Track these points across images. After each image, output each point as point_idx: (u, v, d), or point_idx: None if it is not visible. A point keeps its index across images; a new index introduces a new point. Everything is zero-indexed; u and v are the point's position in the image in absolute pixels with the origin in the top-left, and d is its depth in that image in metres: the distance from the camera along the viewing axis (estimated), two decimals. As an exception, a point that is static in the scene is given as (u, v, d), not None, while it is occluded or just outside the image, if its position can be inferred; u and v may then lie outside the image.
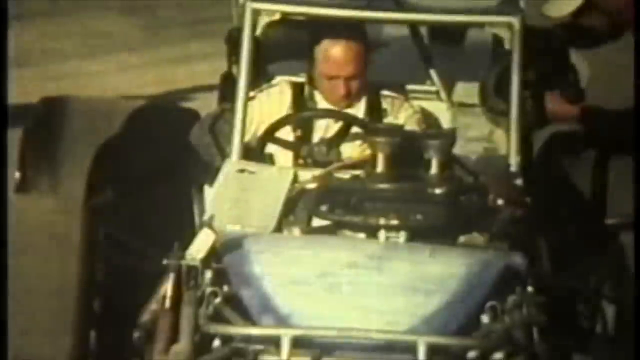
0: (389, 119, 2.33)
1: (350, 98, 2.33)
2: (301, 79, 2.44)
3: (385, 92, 2.40)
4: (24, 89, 3.45)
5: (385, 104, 2.38)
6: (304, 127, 2.35)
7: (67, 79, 4.37)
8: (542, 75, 2.00)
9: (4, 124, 2.20)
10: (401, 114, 2.35)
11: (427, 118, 2.42)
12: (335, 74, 2.31)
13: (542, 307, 1.84)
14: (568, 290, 2.06)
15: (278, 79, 2.46)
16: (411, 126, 2.31)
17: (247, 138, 2.32)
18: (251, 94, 2.38)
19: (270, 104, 2.40)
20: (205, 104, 2.71)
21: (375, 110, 2.36)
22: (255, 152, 2.30)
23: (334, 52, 2.30)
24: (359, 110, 2.37)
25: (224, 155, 2.26)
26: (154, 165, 2.34)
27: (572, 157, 2.34)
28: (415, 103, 2.46)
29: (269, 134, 2.32)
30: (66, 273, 2.06)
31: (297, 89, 2.41)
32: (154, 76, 4.57)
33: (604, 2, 2.00)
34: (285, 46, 2.61)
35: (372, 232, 1.98)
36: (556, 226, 2.27)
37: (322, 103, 2.39)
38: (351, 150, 2.28)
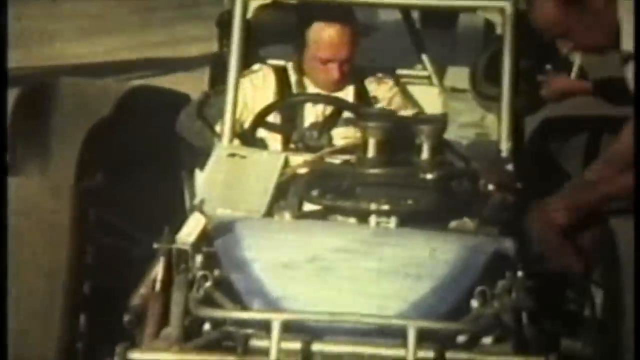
0: (373, 95, 2.33)
1: (343, 82, 2.33)
2: (283, 63, 2.43)
3: (369, 79, 2.40)
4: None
5: (369, 86, 2.37)
6: (295, 112, 2.34)
7: (56, 62, 4.35)
8: (537, 60, 1.99)
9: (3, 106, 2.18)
10: (381, 91, 2.33)
11: (408, 97, 2.41)
12: (330, 57, 2.30)
13: (532, 292, 1.85)
14: (557, 275, 2.07)
15: (258, 65, 2.45)
16: (393, 101, 2.31)
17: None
18: None
19: (254, 90, 2.39)
20: (196, 87, 2.70)
21: (363, 95, 2.36)
22: (246, 137, 2.29)
23: (327, 34, 2.29)
24: (348, 95, 2.37)
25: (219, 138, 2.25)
26: (144, 148, 2.33)
27: (563, 143, 2.35)
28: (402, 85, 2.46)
29: (260, 118, 2.31)
30: (56, 256, 2.06)
31: (281, 73, 2.41)
32: (144, 60, 4.54)
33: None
34: (277, 29, 2.59)
35: (363, 217, 1.98)
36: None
37: (310, 88, 2.39)
38: (345, 134, 2.27)
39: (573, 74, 2.00)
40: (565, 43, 1.98)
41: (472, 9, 2.32)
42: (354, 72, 2.37)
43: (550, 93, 2.00)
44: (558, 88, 2.01)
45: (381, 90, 2.37)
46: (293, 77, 2.40)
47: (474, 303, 1.79)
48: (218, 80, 2.48)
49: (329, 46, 2.29)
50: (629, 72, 1.93)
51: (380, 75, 2.41)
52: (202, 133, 2.29)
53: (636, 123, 1.90)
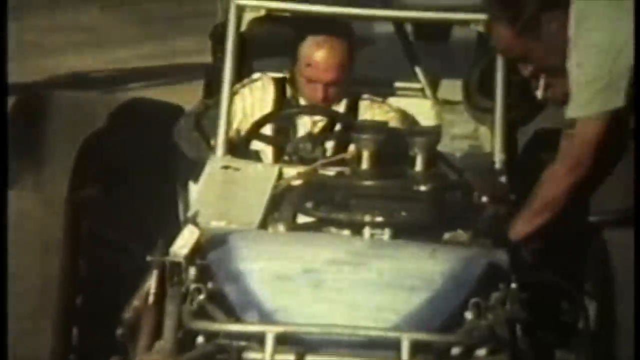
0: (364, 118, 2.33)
1: (328, 102, 2.32)
2: (282, 74, 2.44)
3: (364, 96, 2.40)
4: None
5: (363, 106, 2.37)
6: (288, 124, 2.34)
7: (50, 75, 4.35)
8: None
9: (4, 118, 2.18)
10: (378, 115, 2.35)
11: (405, 119, 2.43)
12: (316, 79, 2.30)
13: (526, 303, 1.85)
14: (551, 287, 2.08)
15: (259, 74, 2.46)
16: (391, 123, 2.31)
17: (230, 133, 2.32)
18: (233, 89, 2.38)
19: (253, 99, 2.39)
20: (190, 99, 2.70)
21: (353, 112, 2.35)
22: (240, 149, 2.29)
23: (317, 56, 2.29)
24: (340, 108, 2.36)
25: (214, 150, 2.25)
26: (137, 161, 2.33)
27: (556, 154, 2.35)
28: (395, 101, 2.46)
29: (254, 131, 2.32)
30: (48, 269, 2.05)
31: (280, 84, 2.41)
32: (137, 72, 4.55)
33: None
34: (271, 42, 2.60)
35: (357, 229, 1.98)
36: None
37: (302, 100, 2.39)
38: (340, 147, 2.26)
39: (539, 94, 2.04)
40: (525, 66, 2.03)
41: (465, 22, 2.33)
42: (347, 89, 2.36)
43: (555, 95, 2.02)
44: (561, 91, 2.03)
45: (377, 114, 2.36)
46: (288, 89, 2.40)
47: (468, 315, 1.79)
48: (212, 92, 2.49)
49: (315, 68, 2.29)
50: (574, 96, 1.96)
51: (379, 99, 2.40)
52: (198, 144, 2.29)
53: (636, 132, 1.93)
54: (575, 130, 1.94)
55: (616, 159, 1.95)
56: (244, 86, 2.40)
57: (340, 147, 2.28)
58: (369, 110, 2.38)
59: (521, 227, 2.01)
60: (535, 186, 2.02)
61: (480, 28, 2.28)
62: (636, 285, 1.91)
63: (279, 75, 2.44)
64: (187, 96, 2.83)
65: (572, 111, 1.96)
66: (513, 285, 1.87)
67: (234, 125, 2.33)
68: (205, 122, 2.31)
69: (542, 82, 2.04)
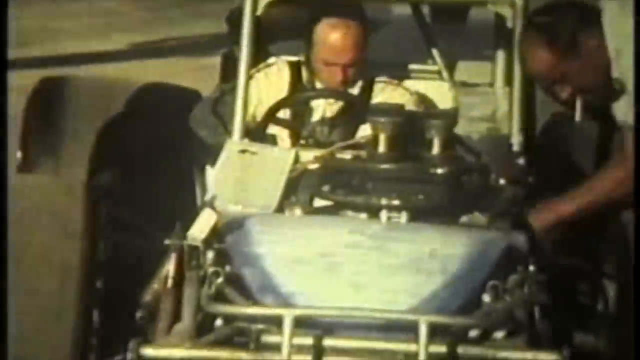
0: (377, 101, 2.32)
1: (346, 84, 2.31)
2: (297, 58, 2.43)
3: (379, 78, 2.38)
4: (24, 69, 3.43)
5: (377, 89, 2.36)
6: (303, 107, 2.33)
7: (67, 60, 4.35)
8: None
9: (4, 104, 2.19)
10: (394, 98, 2.33)
11: (422, 100, 2.41)
12: (334, 61, 2.29)
13: (544, 286, 1.83)
14: (569, 269, 2.06)
15: (274, 58, 2.45)
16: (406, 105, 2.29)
17: (248, 119, 2.31)
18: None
19: (269, 83, 2.38)
20: (206, 85, 2.70)
21: (367, 94, 2.34)
22: (257, 133, 2.29)
23: (333, 38, 2.27)
24: (355, 92, 2.35)
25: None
26: (156, 145, 2.33)
27: (574, 136, 2.33)
28: (412, 84, 2.44)
29: (270, 115, 2.31)
30: (68, 253, 2.06)
31: (295, 68, 2.40)
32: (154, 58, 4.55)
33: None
34: (287, 26, 2.59)
35: (373, 213, 1.97)
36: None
37: (319, 84, 2.38)
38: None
39: (578, 116, 2.02)
40: (563, 88, 2.02)
41: (483, 3, 2.30)
42: (363, 70, 2.35)
43: (570, 95, 2.02)
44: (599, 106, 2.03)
45: (394, 97, 2.34)
46: (304, 73, 2.39)
47: (486, 298, 1.79)
48: (229, 76, 2.48)
49: (333, 50, 2.27)
50: (621, 104, 1.95)
51: (395, 82, 2.38)
52: (215, 129, 2.29)
53: (636, 130, 1.92)
54: None
55: None
56: (259, 71, 2.39)
57: (356, 130, 2.27)
58: (384, 93, 2.36)
59: (570, 209, 1.97)
60: (593, 177, 1.99)
61: (498, 9, 2.25)
62: (635, 283, 1.90)
63: (294, 58, 2.43)
64: (203, 82, 2.82)
65: (632, 116, 1.93)
66: (531, 268, 1.86)
67: (250, 110, 2.32)
68: (222, 107, 2.30)
69: (579, 104, 2.03)
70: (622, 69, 1.95)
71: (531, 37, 2.03)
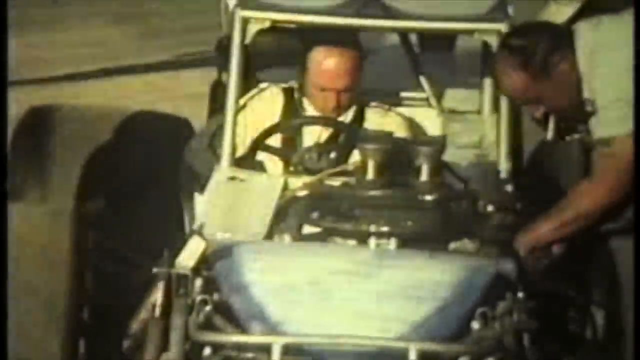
0: (369, 127, 2.34)
1: (340, 110, 2.33)
2: (289, 85, 2.44)
3: (372, 104, 2.40)
4: (12, 98, 3.44)
5: (369, 114, 2.38)
6: (294, 134, 2.35)
7: (53, 88, 4.36)
8: None
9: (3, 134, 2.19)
10: (385, 125, 2.35)
11: (411, 126, 2.43)
12: (328, 87, 2.30)
13: (533, 312, 1.84)
14: (558, 296, 2.07)
15: (266, 84, 2.46)
16: (397, 132, 2.31)
17: (241, 147, 2.32)
18: (242, 101, 2.38)
19: (263, 109, 2.39)
20: (195, 112, 2.71)
21: (359, 120, 2.36)
22: (246, 160, 2.30)
23: (327, 64, 2.29)
24: (346, 119, 2.37)
25: None
26: (144, 173, 2.33)
27: (562, 163, 2.35)
28: (401, 111, 2.47)
29: (260, 142, 2.32)
30: (55, 282, 2.05)
31: (288, 94, 2.41)
32: (143, 84, 4.57)
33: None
34: (276, 53, 2.61)
35: (362, 239, 1.98)
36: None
37: (310, 110, 2.39)
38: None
39: (550, 135, 2.07)
40: (536, 108, 2.05)
41: (469, 32, 2.33)
42: (355, 97, 2.37)
43: (542, 115, 2.06)
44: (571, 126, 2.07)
45: (385, 122, 2.36)
46: (297, 99, 2.40)
47: (475, 324, 1.79)
48: (218, 103, 2.49)
49: (327, 76, 2.29)
50: (592, 122, 1.99)
51: (385, 107, 2.41)
52: (212, 164, 2.28)
53: (636, 132, 1.94)
54: (614, 148, 1.95)
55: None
56: (252, 98, 2.41)
57: (345, 157, 2.28)
58: (375, 118, 2.38)
59: (547, 233, 2.01)
60: (568, 196, 2.02)
61: (485, 37, 2.28)
62: (636, 291, 1.91)
63: (287, 85, 2.44)
64: (192, 110, 2.83)
65: (605, 130, 1.97)
66: (520, 295, 1.86)
67: (247, 138, 2.33)
68: (218, 142, 2.31)
69: (551, 123, 2.07)
70: (593, 89, 1.98)
71: (505, 59, 2.07)
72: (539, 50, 2.02)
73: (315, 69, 2.31)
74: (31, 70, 4.45)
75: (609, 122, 1.97)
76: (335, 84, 2.29)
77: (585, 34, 2.01)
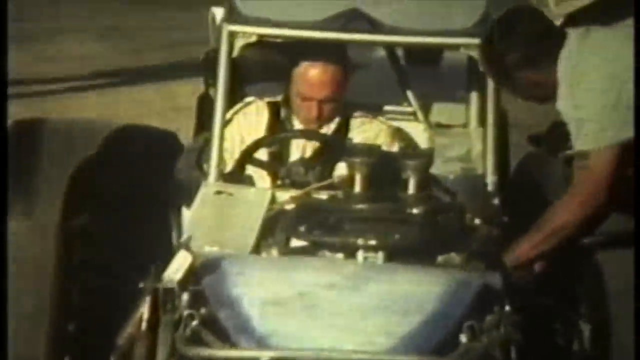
0: (353, 135, 2.34)
1: (322, 120, 2.35)
2: (276, 99, 2.45)
3: (355, 114, 2.41)
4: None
5: (353, 124, 2.39)
6: (281, 148, 2.35)
7: (39, 101, 4.36)
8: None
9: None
10: (369, 131, 2.36)
11: (397, 133, 2.44)
12: (309, 96, 2.32)
13: (520, 326, 1.84)
14: (545, 309, 2.07)
15: (252, 98, 2.47)
16: (381, 141, 2.32)
17: (229, 161, 2.32)
18: (228, 115, 2.39)
19: (248, 124, 2.40)
20: (182, 125, 2.71)
21: (344, 130, 2.37)
22: (233, 174, 2.30)
23: (310, 74, 2.31)
24: (329, 131, 2.38)
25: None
26: (130, 187, 2.33)
27: (548, 176, 2.37)
28: (388, 121, 2.48)
29: (246, 155, 2.32)
30: (40, 296, 2.04)
31: (274, 108, 2.42)
32: (130, 98, 4.58)
33: None
34: (263, 67, 2.62)
35: (350, 253, 1.98)
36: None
37: (296, 124, 2.40)
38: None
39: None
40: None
41: (455, 47, 2.35)
42: (340, 109, 2.38)
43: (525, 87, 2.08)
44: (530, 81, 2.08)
45: (370, 130, 2.37)
46: (283, 113, 2.41)
47: (463, 338, 1.79)
48: (205, 117, 2.50)
49: (309, 85, 2.31)
50: (572, 134, 2.00)
51: (370, 116, 2.42)
52: (200, 182, 2.28)
53: (636, 135, 1.95)
54: (589, 161, 1.96)
55: (628, 190, 1.97)
56: (237, 112, 2.41)
57: (332, 171, 2.29)
58: (360, 127, 2.39)
59: (526, 251, 2.02)
60: (545, 213, 2.03)
61: (471, 52, 2.30)
62: (636, 293, 1.92)
63: (273, 99, 2.45)
64: (179, 122, 2.82)
65: (583, 143, 1.99)
66: (507, 308, 1.86)
67: (235, 153, 2.33)
68: (205, 158, 2.31)
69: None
70: (575, 100, 1.98)
71: (483, 64, 2.09)
72: (509, 60, 2.02)
73: (299, 80, 2.33)
74: (21, 85, 4.44)
75: (587, 135, 1.98)
76: (316, 94, 2.31)
77: (572, 43, 2.02)
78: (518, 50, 2.02)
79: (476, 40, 2.25)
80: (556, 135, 2.15)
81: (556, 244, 2.01)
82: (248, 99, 2.45)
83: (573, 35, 2.03)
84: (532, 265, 2.05)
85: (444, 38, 2.35)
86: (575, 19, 2.01)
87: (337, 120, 2.38)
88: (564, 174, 2.16)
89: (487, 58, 2.07)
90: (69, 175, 2.18)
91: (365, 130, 2.36)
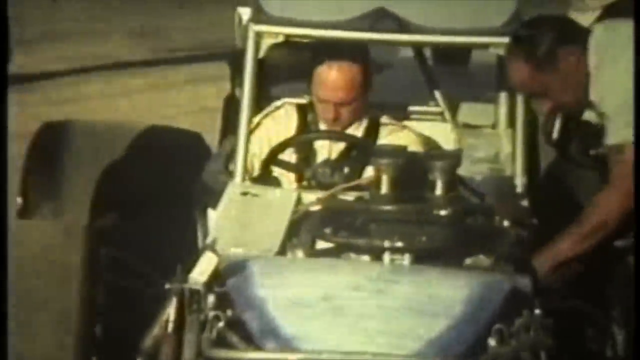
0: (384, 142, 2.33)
1: (339, 123, 2.33)
2: (305, 100, 2.45)
3: (384, 120, 2.40)
4: (25, 114, 3.47)
5: (384, 132, 2.38)
6: (307, 149, 2.35)
7: (70, 104, 4.41)
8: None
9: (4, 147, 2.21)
10: (400, 140, 2.34)
11: (427, 144, 2.42)
12: (325, 98, 2.31)
13: (550, 330, 1.82)
14: (577, 313, 2.04)
15: (281, 101, 2.47)
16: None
17: (256, 166, 2.32)
18: (256, 119, 2.39)
19: (277, 128, 2.40)
20: (210, 126, 2.72)
21: (372, 136, 2.36)
22: (261, 176, 2.30)
23: (326, 76, 2.30)
24: (358, 133, 2.37)
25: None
26: (157, 188, 2.34)
27: (579, 177, 2.34)
28: (415, 125, 2.46)
29: (272, 157, 2.32)
30: (67, 298, 2.06)
31: (302, 110, 2.42)
32: (158, 99, 4.61)
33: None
34: (290, 68, 2.62)
35: (376, 255, 1.97)
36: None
37: (322, 125, 2.40)
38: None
39: (555, 134, 2.06)
40: (543, 102, 2.04)
41: (485, 46, 2.33)
42: (363, 110, 2.36)
43: (549, 110, 2.06)
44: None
45: (400, 139, 2.35)
46: (309, 115, 2.41)
47: (492, 342, 1.77)
48: (231, 118, 2.50)
49: (324, 87, 2.30)
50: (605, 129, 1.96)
51: (400, 124, 2.40)
52: (227, 184, 2.27)
53: (636, 136, 1.93)
54: (625, 155, 1.94)
55: None
56: (266, 116, 2.41)
57: (359, 172, 2.28)
58: (390, 135, 2.38)
59: (565, 250, 1.99)
60: (584, 209, 2.01)
61: (500, 51, 2.27)
62: (636, 292, 1.89)
63: (301, 101, 2.45)
64: (205, 124, 2.84)
65: (616, 137, 1.96)
66: (537, 311, 1.84)
67: (263, 157, 2.33)
68: (233, 163, 2.31)
69: (557, 124, 2.06)
70: (600, 91, 1.97)
71: (512, 50, 2.05)
72: (545, 40, 2.00)
73: (316, 81, 2.32)
74: (42, 85, 4.49)
75: (619, 128, 1.95)
76: (332, 96, 2.30)
77: (599, 35, 2.00)
78: (544, 49, 2.00)
79: (506, 40, 2.23)
80: (571, 136, 2.14)
81: (598, 241, 1.98)
82: (277, 103, 2.45)
83: (600, 28, 2.01)
84: (569, 267, 2.02)
85: (473, 37, 2.33)
86: (607, 12, 1.99)
87: (365, 122, 2.37)
88: (595, 173, 2.13)
89: (514, 57, 2.05)
90: (96, 177, 2.20)
91: (395, 139, 2.34)
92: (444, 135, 2.54)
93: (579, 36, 2.02)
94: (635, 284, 1.92)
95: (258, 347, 1.76)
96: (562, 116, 2.06)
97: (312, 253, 2.03)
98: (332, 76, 2.29)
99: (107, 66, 4.74)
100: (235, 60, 2.50)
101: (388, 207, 2.02)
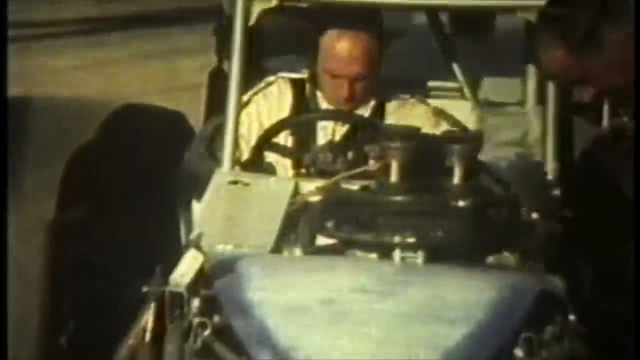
0: (389, 122, 2.32)
1: (355, 101, 2.33)
2: (301, 75, 2.45)
3: (394, 96, 2.40)
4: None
5: (390, 107, 2.37)
6: (306, 132, 2.35)
7: (32, 76, 4.41)
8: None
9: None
10: (408, 116, 2.34)
11: (445, 119, 2.41)
12: (339, 73, 2.30)
13: (586, 339, 1.83)
14: (616, 319, 2.05)
15: (273, 77, 2.47)
16: (421, 124, 2.31)
17: (246, 150, 2.32)
18: (245, 97, 2.39)
19: (269, 107, 2.40)
20: (192, 106, 2.72)
21: (379, 116, 2.36)
22: (250, 162, 2.30)
23: (339, 47, 2.29)
24: (365, 113, 2.36)
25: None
26: (133, 176, 2.34)
27: (622, 162, 2.34)
28: (435, 103, 2.46)
29: (265, 140, 2.32)
30: (27, 304, 2.07)
31: (298, 86, 2.42)
32: (133, 73, 4.62)
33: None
34: (284, 38, 2.61)
35: (385, 252, 1.97)
36: (602, 244, 2.25)
37: (323, 103, 2.39)
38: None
39: (604, 123, 2.02)
40: (586, 90, 1.99)
41: (511, 10, 2.32)
42: (374, 87, 2.36)
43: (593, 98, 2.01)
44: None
45: (410, 116, 2.35)
46: (308, 91, 2.40)
47: (519, 352, 1.78)
48: (217, 97, 2.50)
49: (338, 61, 2.28)
50: None
51: (413, 100, 2.39)
52: (212, 172, 2.28)
53: (636, 129, 1.91)
54: None
55: None
56: (256, 93, 2.41)
57: (365, 158, 2.28)
58: (396, 112, 2.38)
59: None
60: None
61: (530, 16, 2.27)
62: (637, 291, 1.89)
63: (297, 76, 2.44)
64: (188, 101, 2.84)
65: None
66: (571, 317, 1.85)
67: (252, 141, 2.33)
68: (218, 144, 2.31)
69: (606, 109, 2.02)
70: None
71: (544, 32, 1.98)
72: (583, 17, 1.95)
73: (326, 54, 2.31)
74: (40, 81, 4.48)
75: None
76: (347, 70, 2.28)
77: None
78: (583, 29, 1.95)
79: (535, 2, 2.22)
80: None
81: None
82: (270, 79, 2.45)
83: None
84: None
85: (497, 0, 2.32)
86: None
87: (372, 103, 2.37)
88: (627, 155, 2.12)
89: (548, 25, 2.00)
90: (62, 162, 2.20)
91: (402, 116, 2.34)
92: (464, 115, 2.54)
93: (623, 8, 1.98)
94: (635, 284, 1.92)
95: (249, 358, 1.77)
96: (609, 102, 2.01)
97: (312, 250, 2.04)
98: (346, 46, 2.27)
99: (74, 32, 4.73)
100: (222, 29, 2.50)
101: (398, 198, 2.02)
